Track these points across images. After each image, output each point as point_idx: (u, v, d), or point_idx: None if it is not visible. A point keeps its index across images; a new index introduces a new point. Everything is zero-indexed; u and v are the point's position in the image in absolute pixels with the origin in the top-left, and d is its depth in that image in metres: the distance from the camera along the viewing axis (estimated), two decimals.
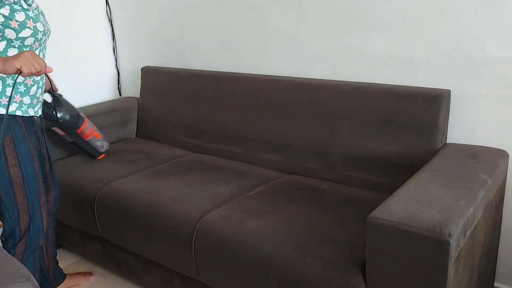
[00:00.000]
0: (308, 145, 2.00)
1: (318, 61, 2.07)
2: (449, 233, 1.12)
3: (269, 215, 1.61)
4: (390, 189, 1.48)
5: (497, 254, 1.79)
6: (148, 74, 2.63)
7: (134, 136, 2.68)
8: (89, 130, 2.08)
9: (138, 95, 2.74)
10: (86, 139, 2.09)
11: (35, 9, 1.57)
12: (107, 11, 2.79)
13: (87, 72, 2.73)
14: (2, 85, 1.52)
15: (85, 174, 2.08)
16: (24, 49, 1.51)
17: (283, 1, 2.10)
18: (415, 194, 1.32)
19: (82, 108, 2.38)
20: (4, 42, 1.47)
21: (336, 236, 1.46)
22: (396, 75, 1.87)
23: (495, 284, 1.83)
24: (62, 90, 2.04)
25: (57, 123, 1.96)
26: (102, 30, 2.80)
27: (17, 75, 1.43)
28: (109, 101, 2.75)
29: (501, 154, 1.64)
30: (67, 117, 1.97)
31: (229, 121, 2.25)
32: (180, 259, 1.68)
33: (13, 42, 1.47)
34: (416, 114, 1.73)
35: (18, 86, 1.55)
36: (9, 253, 1.60)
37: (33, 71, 1.41)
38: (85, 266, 2.22)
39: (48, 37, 1.62)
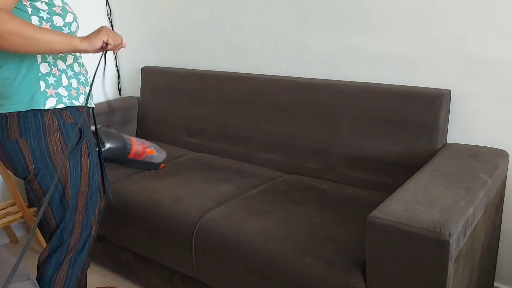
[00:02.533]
0: (308, 145, 2.00)
1: (318, 61, 2.07)
2: (449, 233, 1.12)
3: (269, 214, 1.61)
4: (390, 189, 1.48)
5: (497, 254, 1.79)
6: (148, 74, 2.64)
7: (134, 135, 2.68)
8: (140, 151, 1.96)
9: (138, 95, 2.74)
10: (140, 159, 1.99)
11: None
12: (107, 11, 2.80)
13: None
14: (67, 78, 1.39)
15: None
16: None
17: (284, 1, 2.10)
18: (415, 194, 1.32)
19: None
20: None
21: (336, 235, 1.46)
22: (396, 75, 1.87)
23: (495, 284, 1.83)
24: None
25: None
26: None
27: (103, 52, 1.37)
28: (109, 100, 2.75)
29: (501, 154, 1.64)
30: (111, 148, 1.86)
31: (230, 120, 2.25)
32: (180, 258, 1.68)
33: (62, 30, 1.34)
34: (416, 114, 1.73)
35: (79, 76, 1.43)
36: (52, 273, 1.46)
37: (117, 43, 1.35)
38: None
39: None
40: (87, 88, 1.46)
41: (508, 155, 1.67)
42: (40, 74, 1.33)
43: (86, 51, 1.29)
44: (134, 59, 2.82)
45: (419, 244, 1.16)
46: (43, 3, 1.31)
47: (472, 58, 1.69)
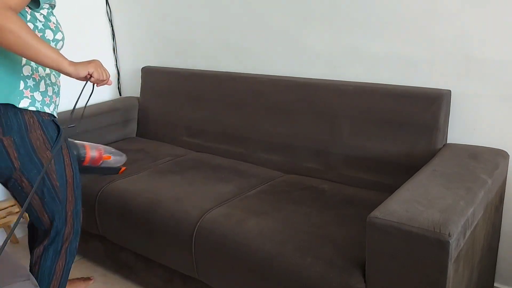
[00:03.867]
0: (308, 145, 2.00)
1: (318, 61, 2.07)
2: (449, 233, 1.12)
3: (269, 214, 1.61)
4: (390, 189, 1.48)
5: (497, 254, 1.79)
6: (148, 74, 2.64)
7: (134, 135, 2.68)
8: (96, 157, 1.91)
9: (138, 95, 2.74)
10: (97, 165, 1.93)
11: None
12: (107, 11, 2.80)
13: None
14: (45, 85, 1.47)
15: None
16: None
17: (284, 1, 2.10)
18: (415, 194, 1.32)
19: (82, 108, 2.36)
20: None
21: (336, 236, 1.46)
22: (396, 75, 1.87)
23: (495, 284, 1.83)
24: (62, 90, 2.01)
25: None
26: (102, 30, 2.81)
27: (85, 81, 1.44)
28: (110, 100, 2.75)
29: (501, 154, 1.64)
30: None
31: (230, 120, 2.25)
32: (180, 258, 1.68)
33: (50, 44, 1.43)
34: (416, 114, 1.73)
35: (54, 86, 1.51)
36: (51, 263, 1.53)
37: (101, 78, 1.43)
38: (85, 266, 2.22)
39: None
40: (58, 100, 1.55)
41: (508, 155, 1.67)
42: (21, 75, 1.40)
43: (69, 75, 1.37)
44: (134, 59, 2.82)
45: (419, 244, 1.16)
46: (42, 15, 1.41)
47: (472, 58, 1.69)
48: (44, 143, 1.43)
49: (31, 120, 1.40)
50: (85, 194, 1.98)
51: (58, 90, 1.56)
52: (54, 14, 1.50)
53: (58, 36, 1.47)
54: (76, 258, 2.30)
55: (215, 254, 1.56)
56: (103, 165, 1.92)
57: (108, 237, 1.99)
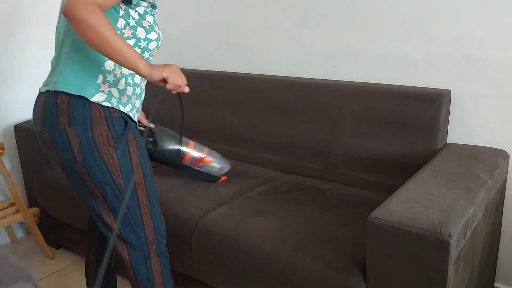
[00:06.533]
0: (308, 145, 2.00)
1: (318, 61, 2.07)
2: (449, 234, 1.12)
3: (269, 215, 1.61)
4: (390, 189, 1.48)
5: (497, 254, 1.79)
6: None
7: None
8: (197, 158, 1.81)
9: None
10: (197, 167, 1.84)
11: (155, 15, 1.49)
12: None
13: None
14: (125, 83, 1.41)
15: None
16: (147, 52, 1.43)
17: (284, 1, 2.10)
18: (415, 194, 1.32)
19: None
20: (133, 41, 1.37)
21: (336, 236, 1.46)
22: (397, 75, 1.87)
23: (495, 284, 1.83)
24: None
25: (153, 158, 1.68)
26: None
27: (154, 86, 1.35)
28: None
29: (501, 154, 1.64)
30: (164, 150, 1.73)
31: (229, 121, 2.25)
32: (180, 259, 1.68)
33: (140, 42, 1.39)
34: (417, 114, 1.73)
35: (136, 87, 1.45)
36: (145, 270, 1.45)
37: (177, 84, 1.35)
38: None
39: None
40: (138, 103, 1.48)
41: (508, 155, 1.67)
42: (102, 68, 1.36)
43: (145, 77, 1.30)
44: None
45: (419, 244, 1.16)
46: (137, 13, 1.37)
47: (472, 58, 1.69)
48: (108, 139, 1.35)
49: (98, 114, 1.34)
50: None
51: (141, 93, 1.49)
52: (153, 14, 1.44)
53: (152, 36, 1.41)
54: (76, 258, 2.30)
55: (215, 254, 1.56)
56: (202, 169, 1.83)
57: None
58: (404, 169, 1.73)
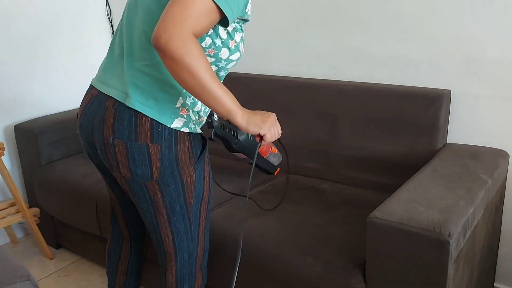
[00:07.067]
0: (308, 145, 2.00)
1: (318, 61, 2.07)
2: (449, 234, 1.12)
3: (269, 215, 1.61)
4: (390, 189, 1.48)
5: (497, 254, 1.79)
6: None
7: None
8: (265, 148, 1.76)
9: None
10: (264, 157, 1.77)
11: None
12: (107, 11, 2.79)
13: (87, 72, 2.73)
14: (201, 104, 1.29)
15: (86, 173, 2.08)
16: (223, 71, 1.28)
17: (284, 1, 2.10)
18: (415, 194, 1.32)
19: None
20: (213, 59, 1.22)
21: (336, 236, 1.46)
22: (396, 75, 1.87)
23: (495, 284, 1.83)
24: (61, 89, 2.02)
25: (237, 147, 1.58)
26: (102, 30, 2.80)
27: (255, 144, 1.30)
28: None
29: (501, 154, 1.64)
30: (248, 138, 1.62)
31: None
32: None
33: (221, 62, 1.24)
34: (416, 114, 1.73)
35: (205, 107, 1.33)
36: (187, 286, 1.41)
37: (273, 139, 1.28)
38: (85, 266, 2.22)
39: None
40: (204, 118, 1.36)
41: (508, 155, 1.67)
42: (184, 90, 1.22)
43: (239, 127, 1.21)
44: None
45: (419, 244, 1.16)
46: (226, 31, 1.21)
47: (472, 58, 1.69)
48: (189, 157, 1.27)
49: (181, 131, 1.24)
50: (85, 193, 1.99)
51: (209, 110, 1.37)
52: (243, 29, 1.28)
53: (234, 56, 1.26)
54: (76, 258, 2.30)
55: (215, 254, 1.56)
56: (268, 158, 1.73)
57: (108, 237, 1.98)
58: (404, 169, 1.73)
